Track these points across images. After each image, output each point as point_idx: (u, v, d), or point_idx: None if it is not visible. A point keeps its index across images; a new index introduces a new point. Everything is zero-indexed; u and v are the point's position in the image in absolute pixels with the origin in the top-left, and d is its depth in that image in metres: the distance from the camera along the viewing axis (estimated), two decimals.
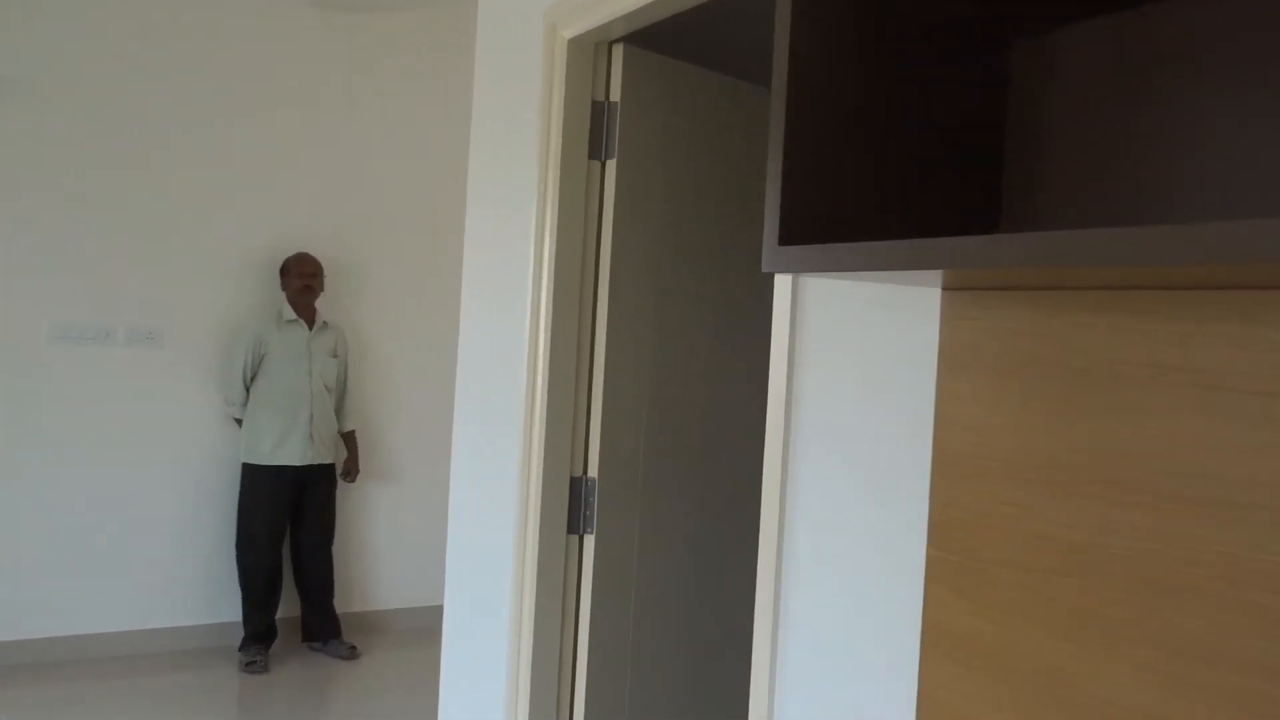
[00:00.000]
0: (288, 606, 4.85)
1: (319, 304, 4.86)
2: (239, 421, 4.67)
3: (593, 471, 2.57)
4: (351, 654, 4.75)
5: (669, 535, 2.77)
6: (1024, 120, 1.32)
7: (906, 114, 1.26)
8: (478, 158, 2.83)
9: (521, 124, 2.62)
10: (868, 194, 1.23)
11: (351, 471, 4.90)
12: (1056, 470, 1.17)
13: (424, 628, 5.29)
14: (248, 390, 4.61)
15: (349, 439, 4.92)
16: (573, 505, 2.56)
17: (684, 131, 2.72)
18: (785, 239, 1.17)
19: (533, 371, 2.52)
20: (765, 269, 1.18)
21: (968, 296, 1.30)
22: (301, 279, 4.67)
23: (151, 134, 4.61)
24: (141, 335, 4.63)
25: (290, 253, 4.90)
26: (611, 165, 2.54)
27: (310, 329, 4.70)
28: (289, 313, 4.65)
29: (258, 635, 4.58)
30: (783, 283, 1.72)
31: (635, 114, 2.57)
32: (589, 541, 2.57)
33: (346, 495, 5.09)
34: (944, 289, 1.33)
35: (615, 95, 2.54)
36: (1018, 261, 0.91)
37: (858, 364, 1.53)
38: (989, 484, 1.24)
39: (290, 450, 4.56)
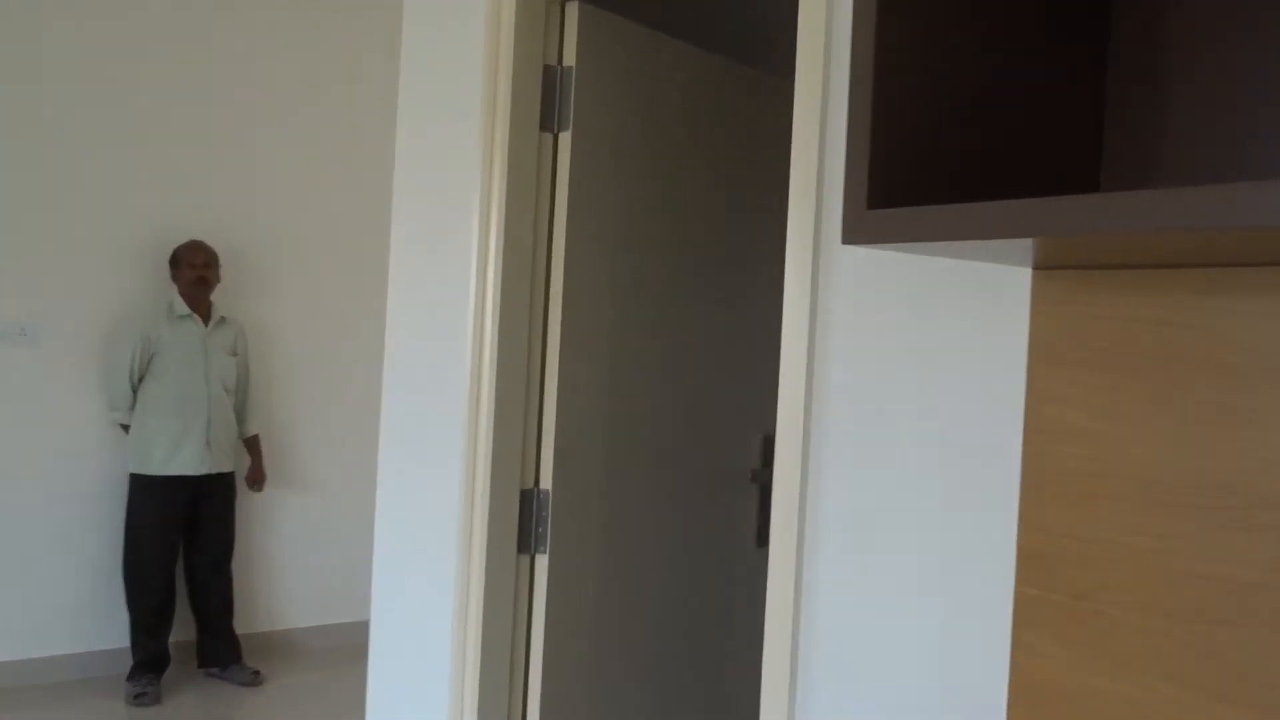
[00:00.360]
0: (182, 629, 4.43)
1: (215, 297, 4.43)
2: (125, 428, 4.23)
3: (545, 483, 2.28)
4: (255, 680, 4.37)
5: (632, 554, 2.50)
6: (1129, 69, 1.08)
7: (997, 59, 1.02)
8: (407, 131, 2.51)
9: (461, 91, 2.31)
10: (954, 153, 0.98)
11: (258, 480, 4.51)
12: (1210, 492, 0.94)
13: (336, 647, 4.91)
14: (135, 393, 4.18)
15: (252, 444, 4.52)
16: (523, 521, 2.27)
17: (647, 104, 2.45)
18: (876, 200, 0.91)
19: (477, 371, 2.22)
20: (847, 241, 0.92)
21: (1068, 277, 1.06)
22: (194, 269, 4.27)
23: (22, 103, 4.13)
24: (12, 330, 4.15)
25: (181, 240, 4.47)
26: (566, 138, 2.26)
27: (206, 325, 4.29)
28: (181, 307, 4.24)
29: (148, 663, 4.17)
30: (798, 258, 1.47)
31: (592, 81, 2.29)
32: (541, 562, 2.29)
33: (248, 506, 4.68)
34: (1036, 268, 1.09)
35: (570, 59, 2.25)
36: (1196, 222, 0.68)
37: (905, 358, 1.28)
38: (1109, 508, 1.01)
39: (185, 459, 4.15)
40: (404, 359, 2.49)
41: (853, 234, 0.91)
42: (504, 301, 2.19)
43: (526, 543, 2.27)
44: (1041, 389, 1.07)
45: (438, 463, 2.35)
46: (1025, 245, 0.92)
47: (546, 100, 2.24)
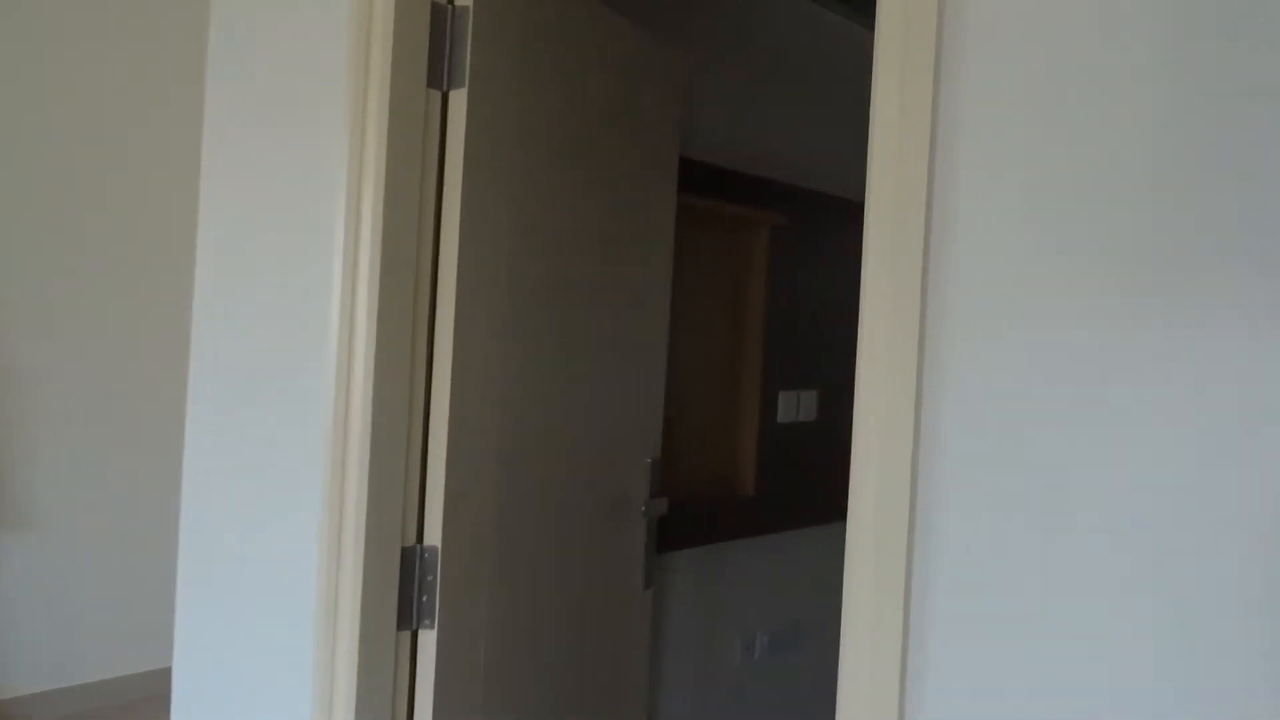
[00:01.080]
0: None
1: None
2: None
3: (433, 538, 1.79)
4: None
5: (531, 615, 2.04)
6: None
7: None
8: (225, 90, 1.92)
9: (318, 34, 1.77)
10: None
11: None
12: None
13: (77, 714, 4.06)
14: None
15: None
16: (404, 588, 1.77)
17: (558, 63, 2.00)
18: None
19: (343, 399, 1.70)
20: None
21: None
22: None
23: None
24: None
25: None
26: (460, 97, 1.77)
27: None
28: None
29: None
30: (887, 241, 1.10)
31: (491, 27, 1.82)
32: (427, 639, 1.79)
33: None
34: None
35: None
36: None
37: (1078, 385, 0.95)
38: None
39: None
40: (224, 381, 1.90)
41: None
42: (382, 312, 1.69)
43: (408, 616, 1.78)
44: None
45: (285, 515, 1.80)
46: None
47: (435, 48, 1.75)
